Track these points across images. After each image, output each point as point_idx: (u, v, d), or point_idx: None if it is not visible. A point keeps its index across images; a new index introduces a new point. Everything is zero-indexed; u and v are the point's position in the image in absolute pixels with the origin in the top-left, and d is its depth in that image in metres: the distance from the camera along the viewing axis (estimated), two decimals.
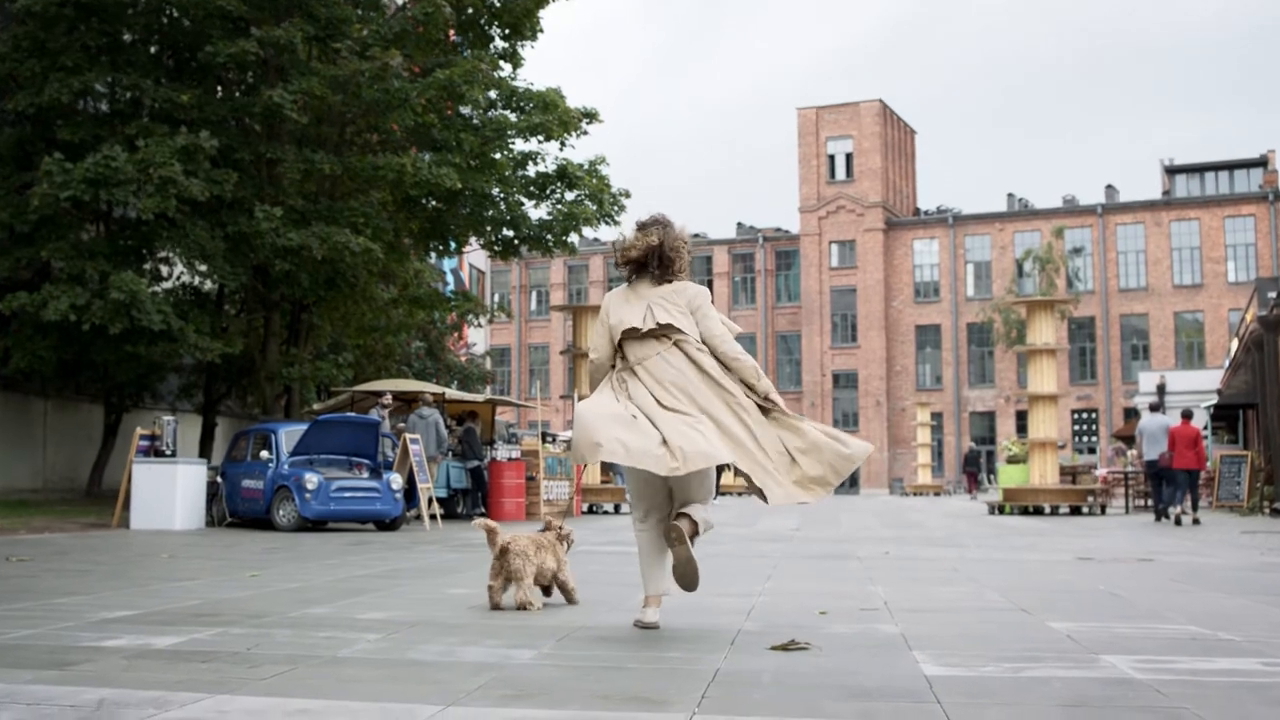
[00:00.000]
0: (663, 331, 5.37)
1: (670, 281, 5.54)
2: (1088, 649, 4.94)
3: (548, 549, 6.43)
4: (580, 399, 24.92)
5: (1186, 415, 19.51)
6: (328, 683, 4.02)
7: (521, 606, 6.18)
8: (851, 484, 69.27)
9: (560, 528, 6.59)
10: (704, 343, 5.42)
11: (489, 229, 23.23)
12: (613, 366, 5.53)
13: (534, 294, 79.57)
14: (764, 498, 5.12)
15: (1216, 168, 68.73)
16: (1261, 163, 67.54)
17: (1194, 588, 8.08)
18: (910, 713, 3.59)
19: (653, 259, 5.52)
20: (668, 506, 5.48)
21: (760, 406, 5.33)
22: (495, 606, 6.27)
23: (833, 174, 71.89)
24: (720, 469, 5.46)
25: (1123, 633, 5.52)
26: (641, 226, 5.64)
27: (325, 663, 4.46)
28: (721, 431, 5.19)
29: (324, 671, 4.26)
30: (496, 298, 75.30)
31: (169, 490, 16.89)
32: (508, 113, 22.83)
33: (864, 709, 3.64)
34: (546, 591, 6.52)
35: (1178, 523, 18.69)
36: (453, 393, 23.61)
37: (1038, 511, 24.54)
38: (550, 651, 4.81)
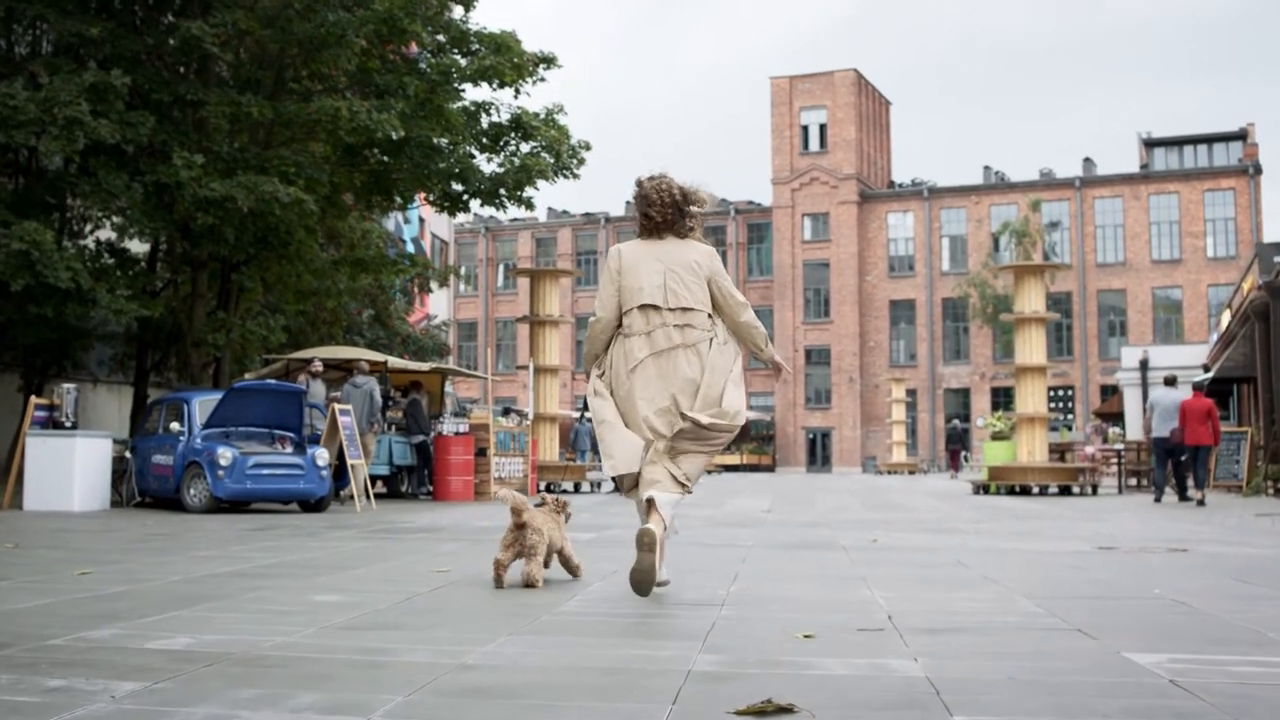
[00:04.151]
0: (671, 305, 5.47)
1: (685, 235, 5.65)
2: (1219, 709, 3.23)
3: (554, 523, 6.24)
4: (534, 367, 23.24)
5: (1197, 387, 17.90)
6: None
7: (529, 584, 5.93)
8: (824, 462, 67.78)
9: (557, 498, 6.39)
10: (722, 307, 5.58)
11: (436, 182, 21.33)
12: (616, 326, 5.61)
13: (501, 267, 77.58)
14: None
15: (1195, 141, 67.30)
16: (1241, 136, 66.13)
17: (1270, 590, 6.41)
18: None
19: (669, 211, 5.59)
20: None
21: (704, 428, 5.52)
22: (500, 582, 5.98)
23: (806, 145, 70.12)
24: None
25: (1242, 673, 3.81)
26: (647, 179, 5.67)
27: None
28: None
29: None
30: (463, 270, 73.25)
31: (66, 467, 15.06)
32: (457, 56, 20.94)
33: None
34: (545, 564, 6.19)
35: (1200, 503, 17.09)
36: (395, 361, 21.76)
37: (1024, 491, 22.96)
38: (390, 714, 3.06)
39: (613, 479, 5.66)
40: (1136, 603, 5.79)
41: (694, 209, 5.66)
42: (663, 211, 5.60)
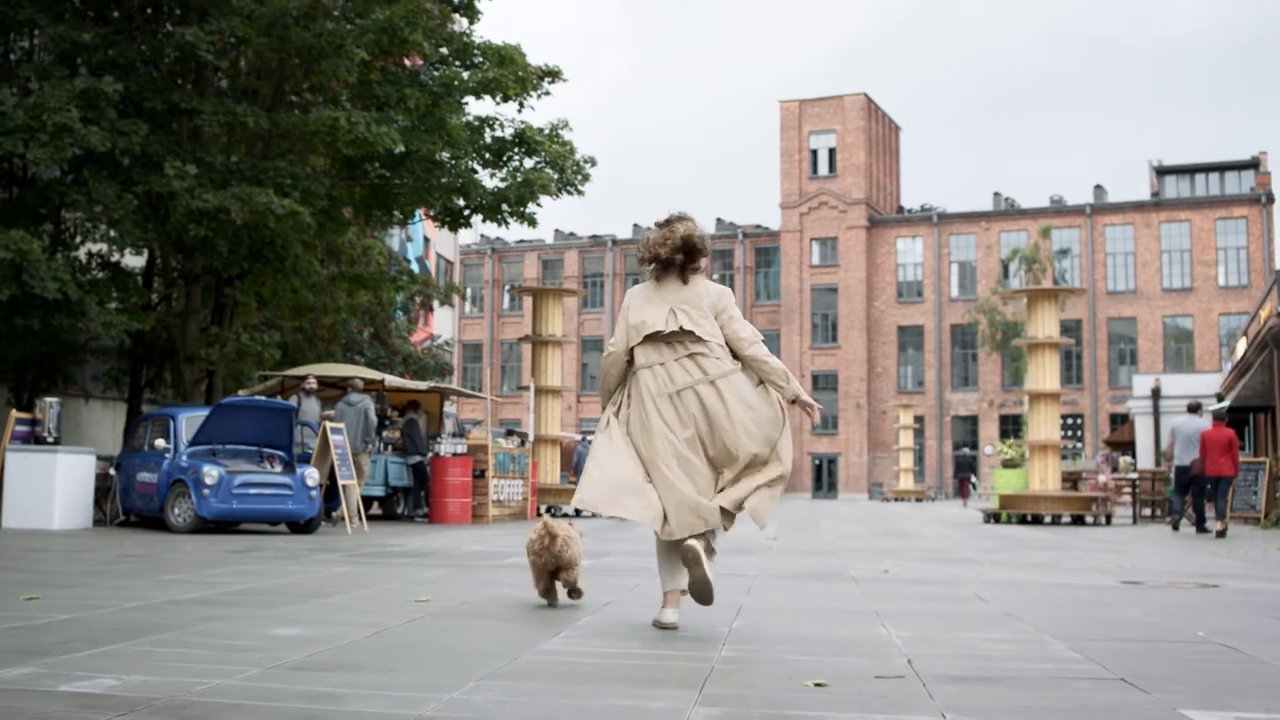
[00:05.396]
0: (679, 338, 5.39)
1: (693, 278, 5.57)
2: None
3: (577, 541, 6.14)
4: (535, 388, 22.74)
5: (1218, 417, 17.33)
6: None
7: (574, 593, 6.10)
8: (830, 488, 67.11)
9: (579, 535, 6.22)
10: (729, 344, 5.44)
11: (436, 197, 20.84)
12: (628, 362, 5.57)
13: (507, 288, 77.14)
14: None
15: (1207, 169, 66.73)
16: (1253, 164, 65.59)
17: None
18: None
19: (678, 254, 5.52)
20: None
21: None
22: (549, 597, 6.16)
23: (815, 169, 69.67)
24: None
25: None
26: (665, 224, 5.62)
27: None
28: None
29: None
30: (468, 291, 72.81)
31: (47, 484, 14.54)
32: (460, 69, 20.50)
33: None
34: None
35: (1220, 534, 16.57)
36: (392, 380, 21.26)
37: (1036, 520, 22.37)
38: None
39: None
40: (1181, 647, 5.25)
41: (707, 248, 5.62)
42: (662, 247, 5.56)
